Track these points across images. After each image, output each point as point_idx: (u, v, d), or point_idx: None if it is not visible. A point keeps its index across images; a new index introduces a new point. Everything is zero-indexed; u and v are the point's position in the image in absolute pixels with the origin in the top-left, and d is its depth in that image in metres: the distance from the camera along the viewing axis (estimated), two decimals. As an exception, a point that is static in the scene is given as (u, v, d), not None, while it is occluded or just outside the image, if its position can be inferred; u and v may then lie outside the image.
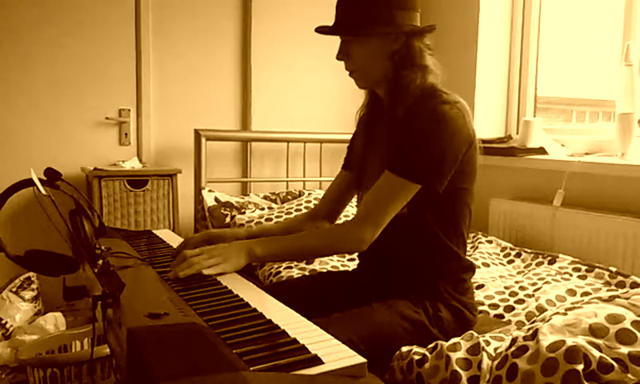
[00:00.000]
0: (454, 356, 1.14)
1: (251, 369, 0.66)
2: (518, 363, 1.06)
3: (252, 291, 1.02)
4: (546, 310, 1.55)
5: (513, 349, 1.11)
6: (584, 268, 1.86)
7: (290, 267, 1.98)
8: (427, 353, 1.19)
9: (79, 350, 1.86)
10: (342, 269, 2.00)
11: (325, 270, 1.91)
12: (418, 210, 1.31)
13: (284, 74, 2.92)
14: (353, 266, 2.01)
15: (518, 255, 2.14)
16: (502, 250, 2.21)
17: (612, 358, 1.03)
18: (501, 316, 1.64)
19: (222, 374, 0.63)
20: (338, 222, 1.62)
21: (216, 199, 2.48)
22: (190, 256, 1.14)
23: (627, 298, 1.30)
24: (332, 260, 2.07)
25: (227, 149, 2.84)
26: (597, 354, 1.03)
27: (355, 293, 1.40)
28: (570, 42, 2.71)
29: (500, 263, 2.10)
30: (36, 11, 2.41)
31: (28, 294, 2.30)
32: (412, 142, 1.27)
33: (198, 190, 2.55)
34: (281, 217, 2.27)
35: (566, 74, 2.75)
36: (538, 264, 2.00)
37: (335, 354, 0.72)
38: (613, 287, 1.73)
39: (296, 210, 2.33)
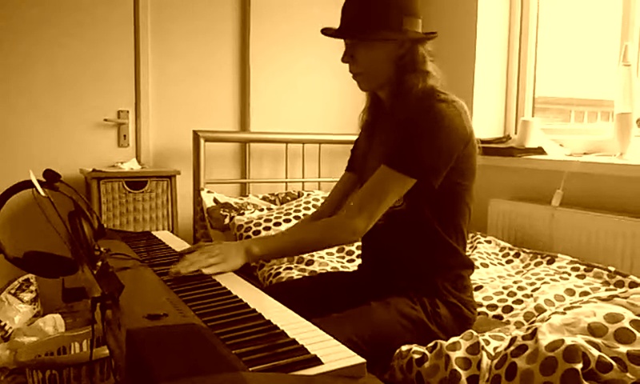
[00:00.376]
0: (454, 355, 1.14)
1: (250, 369, 0.67)
2: (517, 362, 1.06)
3: (251, 292, 1.02)
4: (545, 310, 1.55)
5: (512, 348, 1.11)
6: (583, 268, 1.87)
7: (290, 268, 1.98)
8: (427, 352, 1.19)
9: (78, 351, 1.85)
10: (342, 270, 2.00)
11: (325, 271, 1.91)
12: (417, 206, 1.32)
13: (283, 75, 2.92)
14: (353, 267, 2.01)
15: (517, 255, 2.14)
16: (500, 250, 2.21)
17: (611, 357, 1.04)
18: (499, 317, 1.64)
19: (222, 374, 0.63)
20: None
21: (215, 200, 2.48)
22: (190, 256, 1.15)
23: (626, 298, 1.30)
24: (332, 261, 2.07)
25: (226, 150, 2.84)
26: (596, 353, 1.03)
27: (354, 292, 1.40)
28: (568, 42, 2.72)
29: (499, 263, 2.10)
30: (36, 11, 2.41)
31: (27, 296, 2.30)
32: (408, 138, 1.29)
33: (197, 191, 2.55)
34: (280, 218, 2.27)
35: (564, 73, 2.75)
36: (537, 264, 2.01)
37: (334, 354, 0.72)
38: (611, 287, 1.74)
39: (295, 211, 2.33)
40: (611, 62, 2.36)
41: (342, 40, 1.39)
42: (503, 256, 2.17)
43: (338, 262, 2.08)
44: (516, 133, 2.69)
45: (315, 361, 0.70)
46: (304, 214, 2.28)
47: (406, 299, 1.32)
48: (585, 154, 2.38)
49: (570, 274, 1.84)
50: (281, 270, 1.98)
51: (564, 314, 1.23)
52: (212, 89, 2.80)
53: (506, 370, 1.07)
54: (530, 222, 2.37)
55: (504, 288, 1.78)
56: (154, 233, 1.61)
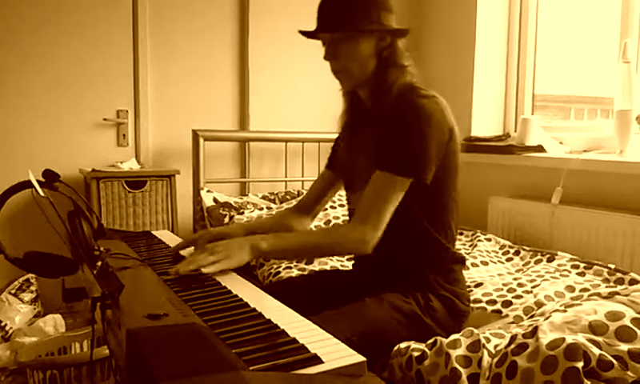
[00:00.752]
0: (454, 353, 1.14)
1: (251, 368, 0.66)
2: (517, 361, 1.06)
3: (251, 291, 1.02)
4: (544, 304, 1.55)
5: (512, 346, 1.11)
6: (583, 265, 1.86)
7: (290, 268, 1.98)
8: (427, 349, 1.19)
9: (79, 351, 1.85)
10: (340, 269, 2.00)
11: (323, 270, 1.91)
12: (406, 204, 1.33)
13: (282, 74, 2.92)
14: (351, 266, 2.01)
15: (517, 253, 2.14)
16: (500, 248, 2.21)
17: (612, 356, 1.03)
18: (498, 311, 1.64)
19: (222, 373, 0.63)
20: (319, 218, 1.66)
21: (214, 200, 2.48)
22: (193, 255, 1.15)
23: (627, 295, 1.30)
24: (331, 260, 2.06)
25: (225, 149, 2.83)
26: (596, 351, 1.03)
27: (349, 290, 1.41)
28: (567, 39, 2.71)
29: (499, 261, 2.10)
30: (36, 11, 2.40)
31: (27, 296, 2.29)
32: (396, 138, 1.30)
33: (197, 190, 2.55)
34: (280, 217, 2.27)
35: (563, 71, 2.75)
36: (537, 262, 2.00)
37: (335, 352, 0.72)
38: (612, 284, 1.73)
39: (295, 210, 2.32)
40: (611, 59, 2.36)
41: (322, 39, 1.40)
42: (503, 254, 2.17)
43: (337, 261, 2.08)
44: (516, 131, 2.69)
45: (315, 360, 0.70)
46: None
47: (399, 294, 1.34)
48: (584, 151, 2.38)
49: (570, 272, 1.84)
50: (280, 269, 1.98)
51: (565, 311, 1.22)
52: (211, 88, 2.80)
53: (506, 368, 1.07)
54: (529, 220, 2.37)
55: (504, 285, 1.78)
56: (153, 232, 1.61)
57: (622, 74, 2.12)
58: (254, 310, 0.88)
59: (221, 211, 2.39)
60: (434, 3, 3.02)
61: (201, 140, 2.53)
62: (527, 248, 2.15)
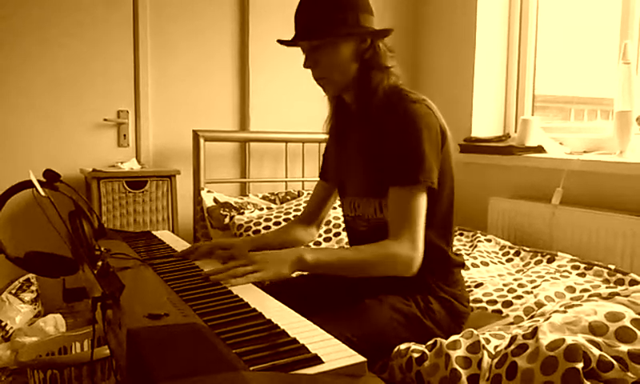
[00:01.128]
0: (454, 354, 1.14)
1: (251, 369, 0.67)
2: (517, 362, 1.06)
3: (252, 291, 1.02)
4: (545, 305, 1.55)
5: (512, 347, 1.11)
6: (583, 266, 1.87)
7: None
8: (426, 350, 1.19)
9: (79, 351, 1.86)
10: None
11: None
12: None
13: (282, 75, 2.92)
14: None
15: (517, 254, 2.14)
16: (500, 249, 2.21)
17: (612, 357, 1.03)
18: (499, 311, 1.64)
19: (222, 374, 0.63)
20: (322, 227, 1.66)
21: (215, 200, 2.48)
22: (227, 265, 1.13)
23: (627, 296, 1.30)
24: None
25: (226, 149, 2.84)
26: (596, 352, 1.03)
27: (349, 291, 1.41)
28: (567, 40, 2.71)
29: (499, 262, 2.10)
30: (36, 11, 2.41)
31: (28, 296, 2.30)
32: (399, 149, 1.29)
33: (197, 190, 2.55)
34: (280, 217, 2.27)
35: (563, 72, 2.75)
36: (537, 262, 2.01)
37: (335, 353, 0.72)
38: (612, 285, 1.74)
39: (295, 210, 2.33)
40: (611, 60, 2.36)
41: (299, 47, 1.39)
42: (503, 255, 2.17)
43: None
44: (516, 131, 2.69)
45: (316, 360, 0.70)
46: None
47: (399, 297, 1.34)
48: (585, 152, 2.39)
49: (570, 273, 1.84)
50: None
51: (565, 312, 1.23)
52: (211, 88, 2.80)
53: (506, 369, 1.07)
54: (530, 221, 2.37)
55: (504, 285, 1.78)
56: (154, 232, 1.61)
57: (622, 75, 2.12)
58: (255, 310, 0.89)
59: (221, 211, 2.39)
60: (434, 3, 3.02)
61: (201, 140, 2.54)
62: (527, 249, 2.15)
